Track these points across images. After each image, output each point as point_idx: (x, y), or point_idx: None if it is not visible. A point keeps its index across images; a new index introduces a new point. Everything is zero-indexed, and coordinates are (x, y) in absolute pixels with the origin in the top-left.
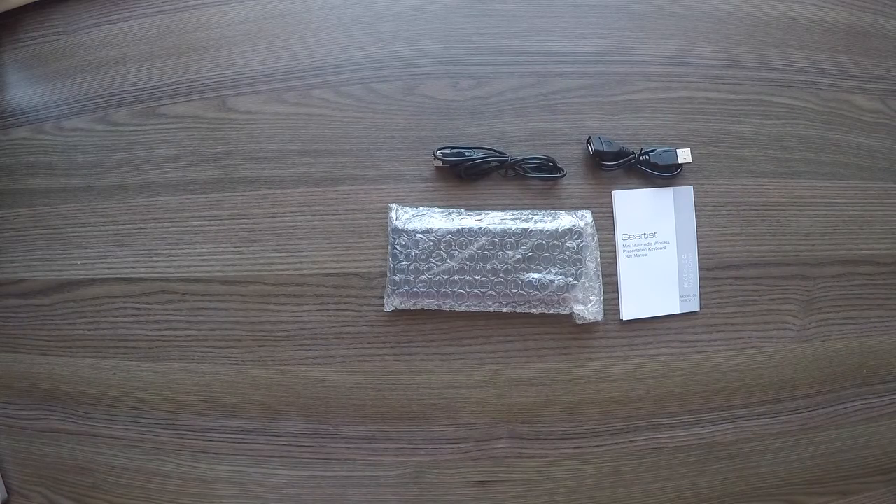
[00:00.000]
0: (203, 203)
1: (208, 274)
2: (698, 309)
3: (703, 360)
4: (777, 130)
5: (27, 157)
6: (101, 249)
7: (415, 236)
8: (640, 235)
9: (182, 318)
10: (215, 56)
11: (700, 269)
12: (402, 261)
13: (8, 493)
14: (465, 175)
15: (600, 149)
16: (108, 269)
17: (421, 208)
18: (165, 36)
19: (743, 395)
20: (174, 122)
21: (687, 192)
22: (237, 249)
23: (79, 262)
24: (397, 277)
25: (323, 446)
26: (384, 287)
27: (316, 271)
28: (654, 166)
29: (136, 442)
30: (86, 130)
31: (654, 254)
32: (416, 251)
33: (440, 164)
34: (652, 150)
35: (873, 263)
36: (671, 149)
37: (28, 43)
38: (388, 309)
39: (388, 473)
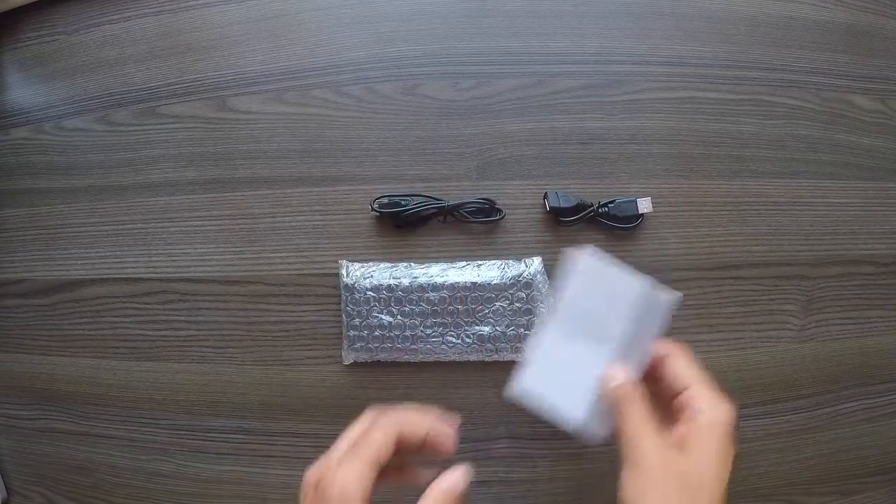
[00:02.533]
0: (203, 203)
1: (208, 274)
2: (595, 438)
3: (703, 360)
4: (777, 130)
5: (27, 157)
6: (101, 249)
7: (365, 294)
8: (583, 316)
9: (182, 318)
10: (215, 56)
11: (698, 269)
12: (354, 318)
13: (8, 493)
14: (404, 224)
15: (557, 205)
16: (108, 269)
17: (370, 264)
18: (165, 36)
19: (743, 395)
20: (174, 122)
21: (662, 300)
22: (237, 249)
23: (79, 262)
24: (352, 334)
25: (323, 446)
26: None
27: (316, 271)
28: (615, 218)
29: (136, 442)
30: (86, 130)
31: (587, 345)
32: (368, 308)
33: (377, 214)
34: (611, 202)
35: (873, 263)
36: (631, 199)
37: (28, 43)
38: (346, 362)
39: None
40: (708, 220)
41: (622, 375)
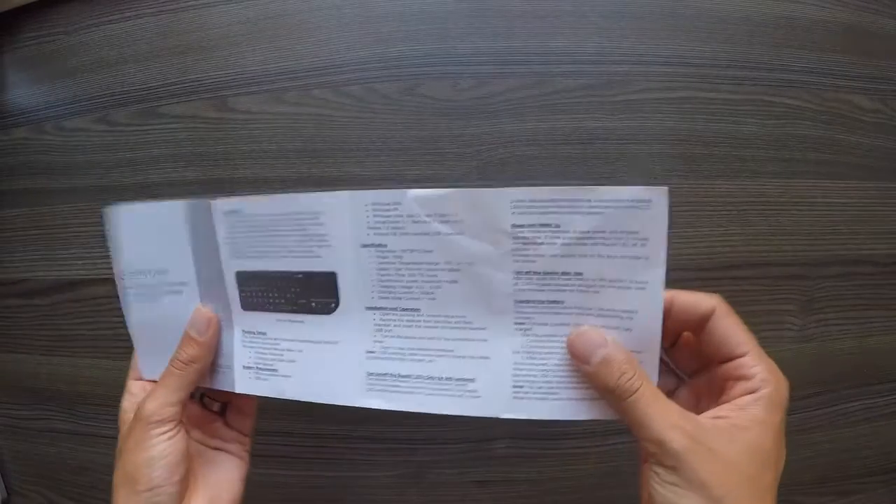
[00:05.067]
0: None
1: None
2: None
3: None
4: (777, 130)
5: (27, 157)
6: (102, 249)
7: None
8: (151, 271)
9: None
10: (215, 56)
11: (698, 269)
12: None
13: (8, 493)
14: None
15: None
16: (108, 269)
17: None
18: (165, 36)
19: None
20: (174, 122)
21: (209, 206)
22: None
23: (79, 262)
24: None
25: (323, 446)
26: None
27: None
28: None
29: None
30: (86, 130)
31: (170, 298)
32: None
33: None
34: None
35: (873, 263)
36: None
37: (28, 43)
38: None
39: (388, 473)
40: (708, 220)
41: (599, 338)
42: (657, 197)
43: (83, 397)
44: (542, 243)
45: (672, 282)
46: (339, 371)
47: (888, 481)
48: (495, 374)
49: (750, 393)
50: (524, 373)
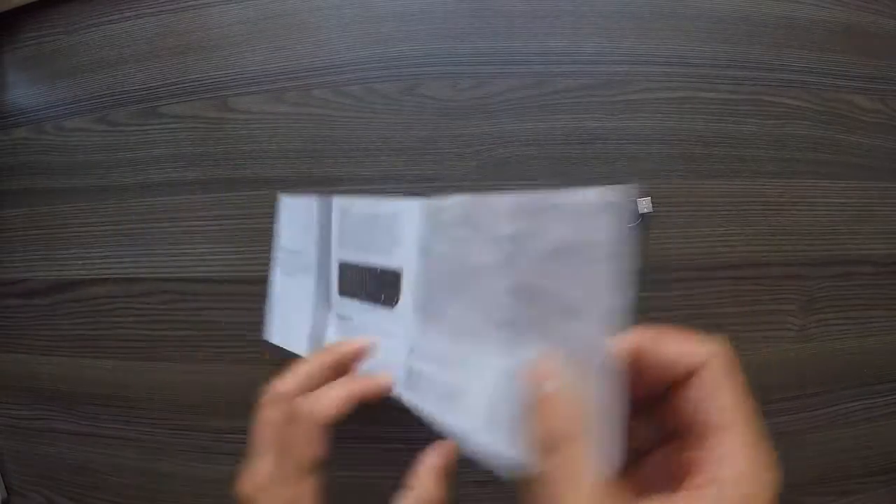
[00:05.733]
0: (203, 203)
1: (208, 274)
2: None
3: None
4: (777, 130)
5: (27, 157)
6: (101, 249)
7: None
8: (292, 251)
9: (182, 318)
10: (215, 56)
11: (698, 269)
12: None
13: (8, 493)
14: None
15: None
16: (108, 269)
17: None
18: (165, 36)
19: None
20: (174, 122)
21: (332, 205)
22: (237, 249)
23: (79, 262)
24: None
25: None
26: None
27: None
28: None
29: (136, 442)
30: (86, 130)
31: (300, 276)
32: None
33: None
34: None
35: (873, 263)
36: (631, 199)
37: (28, 43)
38: None
39: (388, 474)
40: (708, 220)
41: (547, 371)
42: (609, 201)
43: (83, 397)
44: (523, 255)
45: (672, 282)
46: (394, 361)
47: (888, 481)
48: (480, 393)
49: (714, 485)
50: (501, 398)
